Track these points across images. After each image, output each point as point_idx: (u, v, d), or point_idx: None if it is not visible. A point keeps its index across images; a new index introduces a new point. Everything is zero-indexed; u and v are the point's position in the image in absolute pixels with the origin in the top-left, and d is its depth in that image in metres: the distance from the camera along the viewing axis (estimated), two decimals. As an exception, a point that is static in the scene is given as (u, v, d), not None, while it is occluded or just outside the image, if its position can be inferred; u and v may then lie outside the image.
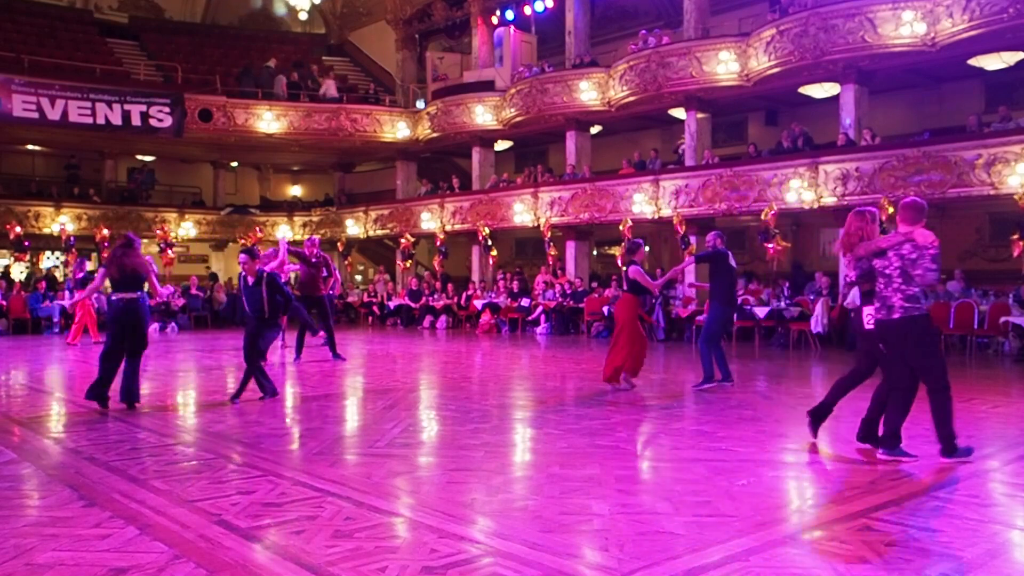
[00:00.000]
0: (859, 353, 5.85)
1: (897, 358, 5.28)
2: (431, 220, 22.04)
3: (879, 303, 5.28)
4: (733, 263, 8.92)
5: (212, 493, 4.45)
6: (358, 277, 27.62)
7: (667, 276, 10.09)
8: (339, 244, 23.86)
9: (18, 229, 20.31)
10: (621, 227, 17.38)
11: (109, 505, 4.24)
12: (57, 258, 23.75)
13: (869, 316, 5.43)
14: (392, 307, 21.21)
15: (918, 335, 5.16)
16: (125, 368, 7.39)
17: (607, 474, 4.89)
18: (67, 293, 18.97)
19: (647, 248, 9.49)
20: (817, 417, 5.79)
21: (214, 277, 23.15)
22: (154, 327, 16.96)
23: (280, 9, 27.12)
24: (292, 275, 13.99)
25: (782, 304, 14.34)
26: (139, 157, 25.19)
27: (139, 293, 7.41)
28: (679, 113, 18.47)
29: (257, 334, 7.99)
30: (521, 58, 21.80)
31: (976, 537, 3.73)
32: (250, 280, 8.02)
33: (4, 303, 18.17)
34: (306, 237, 17.78)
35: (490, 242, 20.26)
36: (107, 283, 7.99)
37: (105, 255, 21.33)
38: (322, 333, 12.15)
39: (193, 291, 20.33)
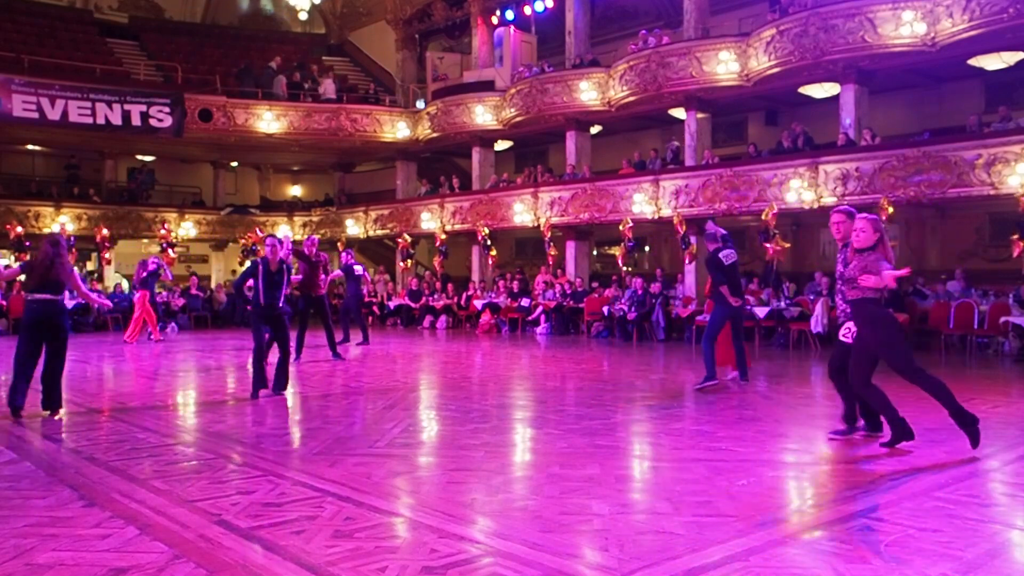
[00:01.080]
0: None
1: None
2: (431, 220, 22.04)
3: None
4: (726, 260, 8.76)
5: (212, 493, 4.45)
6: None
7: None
8: (339, 244, 23.85)
9: (19, 229, 20.30)
10: (621, 227, 17.40)
11: (109, 505, 4.24)
12: (57, 258, 23.70)
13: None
14: (392, 307, 21.22)
15: None
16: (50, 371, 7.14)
17: (607, 474, 4.89)
18: (67, 293, 18.95)
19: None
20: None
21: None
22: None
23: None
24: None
25: (782, 304, 14.34)
26: (139, 157, 25.18)
27: (60, 296, 7.12)
28: (679, 113, 18.47)
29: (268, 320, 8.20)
30: (521, 58, 21.80)
31: (976, 537, 3.73)
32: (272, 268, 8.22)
33: (4, 303, 18.16)
34: (305, 237, 17.81)
35: (489, 242, 20.26)
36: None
37: (105, 255, 21.39)
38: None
39: (193, 291, 20.33)
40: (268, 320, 8.25)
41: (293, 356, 11.50)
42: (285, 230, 25.49)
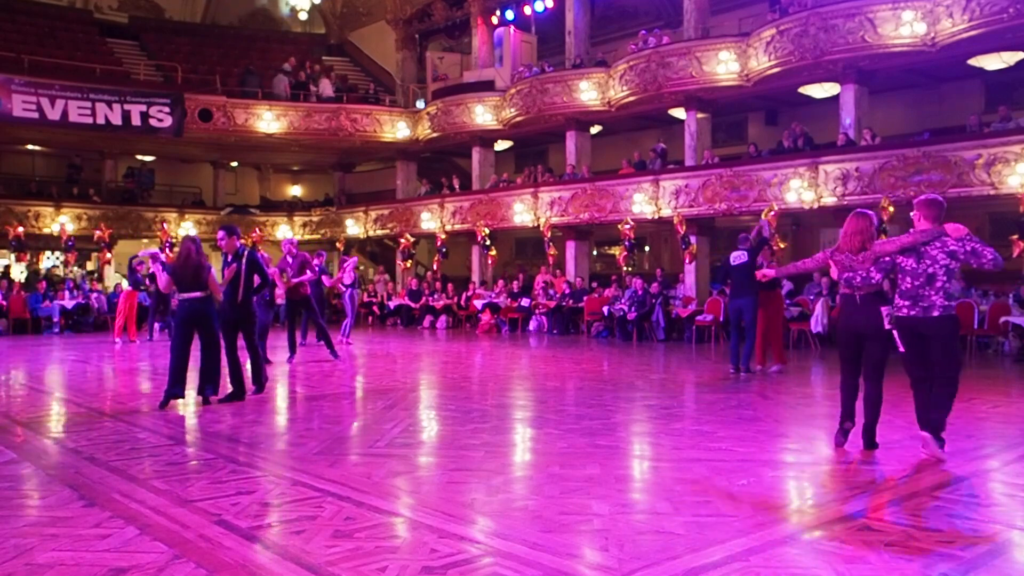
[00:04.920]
0: (850, 354, 5.62)
1: (921, 354, 5.30)
2: (431, 220, 22.04)
3: (910, 301, 5.27)
4: (737, 261, 9.90)
5: (212, 493, 4.44)
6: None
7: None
8: (339, 244, 23.88)
9: (20, 230, 20.32)
10: (621, 227, 17.40)
11: (109, 505, 4.24)
12: (57, 258, 23.75)
13: (887, 315, 5.43)
14: (392, 307, 21.22)
15: (955, 333, 5.34)
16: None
17: (607, 474, 4.88)
18: (67, 293, 18.98)
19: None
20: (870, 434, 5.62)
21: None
22: (156, 326, 16.96)
23: (285, 8, 27.06)
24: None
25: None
26: (139, 157, 25.18)
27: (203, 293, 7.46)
28: (679, 113, 18.47)
29: (238, 321, 8.03)
30: (521, 58, 21.81)
31: (976, 537, 3.73)
32: (229, 259, 8.04)
33: (4, 303, 18.16)
34: (286, 238, 17.86)
35: (488, 242, 20.27)
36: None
37: (105, 255, 21.40)
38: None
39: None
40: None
41: (287, 355, 11.53)
42: (285, 230, 25.53)
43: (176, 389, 7.42)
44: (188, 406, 7.95)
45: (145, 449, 5.66)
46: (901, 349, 5.42)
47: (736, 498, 4.34)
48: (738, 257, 9.94)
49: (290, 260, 11.53)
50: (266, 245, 22.50)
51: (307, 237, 24.97)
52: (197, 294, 7.39)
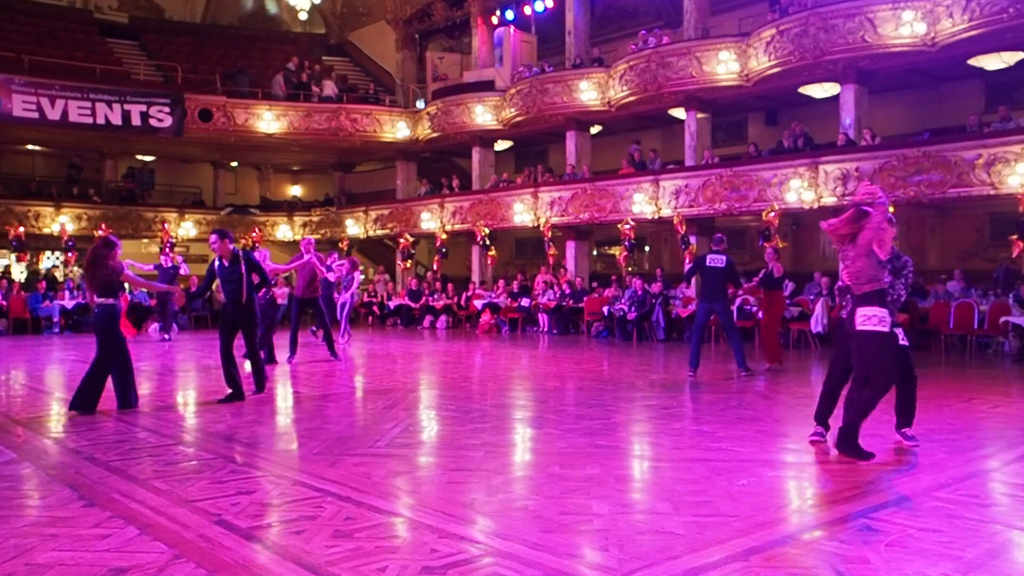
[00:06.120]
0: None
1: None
2: (431, 220, 22.05)
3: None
4: (713, 263, 9.74)
5: (212, 493, 4.44)
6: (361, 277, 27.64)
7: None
8: (340, 244, 23.87)
9: (20, 230, 20.30)
10: (621, 227, 17.39)
11: (109, 505, 4.24)
12: (57, 258, 23.75)
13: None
14: (392, 307, 21.22)
15: None
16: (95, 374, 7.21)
17: (607, 474, 4.88)
18: (67, 293, 18.98)
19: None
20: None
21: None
22: (154, 327, 16.96)
23: (272, 7, 27.08)
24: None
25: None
26: (139, 157, 25.17)
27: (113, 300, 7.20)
28: (679, 113, 18.47)
29: (239, 322, 7.95)
30: (521, 58, 21.81)
31: (976, 537, 3.72)
32: (226, 263, 7.91)
33: (4, 303, 18.16)
34: (302, 238, 17.93)
35: (488, 242, 20.27)
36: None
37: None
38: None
39: (193, 291, 20.33)
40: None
41: (287, 355, 11.53)
42: (285, 230, 25.52)
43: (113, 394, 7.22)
44: (188, 406, 7.96)
45: (145, 449, 5.66)
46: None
47: (736, 498, 4.34)
48: (714, 260, 9.70)
49: (305, 258, 11.65)
50: (266, 244, 22.52)
51: (307, 237, 24.96)
52: (109, 300, 7.14)
